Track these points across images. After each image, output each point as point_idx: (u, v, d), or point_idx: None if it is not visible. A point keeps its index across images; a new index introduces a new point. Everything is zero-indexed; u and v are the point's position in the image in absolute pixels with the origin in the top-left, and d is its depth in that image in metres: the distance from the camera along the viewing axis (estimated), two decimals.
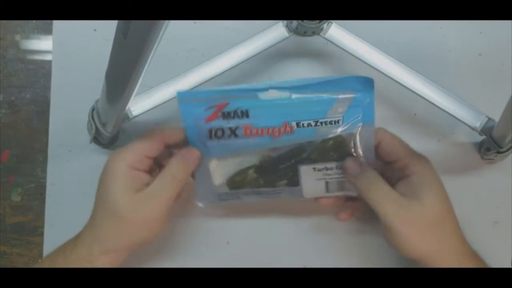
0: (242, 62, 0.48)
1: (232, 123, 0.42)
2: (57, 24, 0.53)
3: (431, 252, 0.42)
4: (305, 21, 0.47)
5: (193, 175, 0.45)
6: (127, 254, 0.43)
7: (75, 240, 0.42)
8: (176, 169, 0.43)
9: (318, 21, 0.47)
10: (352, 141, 0.43)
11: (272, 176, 0.45)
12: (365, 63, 0.48)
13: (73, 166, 0.51)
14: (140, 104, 0.47)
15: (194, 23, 0.53)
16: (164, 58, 0.51)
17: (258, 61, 0.52)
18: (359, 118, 0.43)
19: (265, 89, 0.42)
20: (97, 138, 0.48)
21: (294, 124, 0.42)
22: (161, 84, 0.47)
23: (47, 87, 0.52)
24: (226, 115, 0.42)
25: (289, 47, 0.53)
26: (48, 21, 0.53)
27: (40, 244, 0.51)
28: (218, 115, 0.42)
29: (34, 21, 0.53)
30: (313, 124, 0.42)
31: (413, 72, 0.48)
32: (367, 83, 0.42)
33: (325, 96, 0.42)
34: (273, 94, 0.42)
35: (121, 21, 0.29)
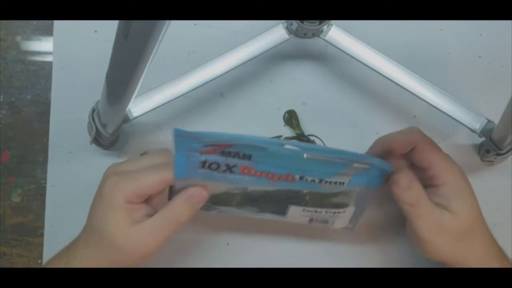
0: (242, 64, 0.48)
1: (230, 160, 0.39)
2: (58, 25, 0.53)
3: (459, 257, 0.43)
4: (305, 23, 0.47)
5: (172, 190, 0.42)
6: None
7: (67, 255, 0.42)
8: (180, 211, 0.41)
9: (318, 23, 0.47)
10: (350, 196, 0.43)
11: (258, 206, 0.44)
12: (365, 65, 0.48)
13: (73, 167, 0.51)
14: (140, 106, 0.47)
15: (195, 24, 0.53)
16: (165, 60, 0.51)
17: (258, 63, 0.52)
18: (365, 183, 0.42)
19: (278, 146, 0.38)
20: (97, 139, 0.48)
21: (297, 176, 0.40)
22: (162, 85, 0.47)
23: (47, 88, 0.53)
24: (226, 153, 0.38)
25: (289, 49, 0.53)
26: (49, 23, 0.53)
27: (40, 245, 0.51)
28: (217, 151, 0.38)
29: (35, 22, 0.54)
30: (317, 180, 0.41)
31: (412, 74, 0.48)
32: (383, 170, 0.41)
33: (337, 161, 0.39)
34: (287, 147, 0.39)
35: (122, 22, 0.30)
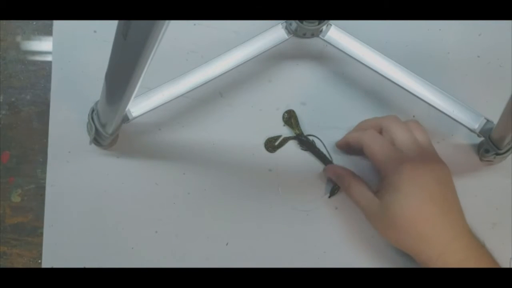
0: (241, 64, 0.48)
1: None
2: (57, 25, 0.53)
3: (403, 246, 0.45)
4: (304, 23, 0.47)
5: None
6: None
7: None
8: None
9: (317, 23, 0.47)
10: None
11: None
12: (364, 65, 0.48)
13: (73, 167, 0.51)
14: (139, 106, 0.47)
15: (194, 24, 0.53)
16: (164, 60, 0.51)
17: (257, 63, 0.52)
18: None
19: None
20: (96, 139, 0.48)
21: None
22: (161, 85, 0.48)
23: (47, 88, 0.53)
24: None
25: (288, 49, 0.53)
26: (49, 23, 0.53)
27: (40, 245, 0.51)
28: None
29: (34, 22, 0.54)
30: None
31: (412, 74, 0.48)
32: None
33: None
34: None
35: (121, 22, 0.30)
